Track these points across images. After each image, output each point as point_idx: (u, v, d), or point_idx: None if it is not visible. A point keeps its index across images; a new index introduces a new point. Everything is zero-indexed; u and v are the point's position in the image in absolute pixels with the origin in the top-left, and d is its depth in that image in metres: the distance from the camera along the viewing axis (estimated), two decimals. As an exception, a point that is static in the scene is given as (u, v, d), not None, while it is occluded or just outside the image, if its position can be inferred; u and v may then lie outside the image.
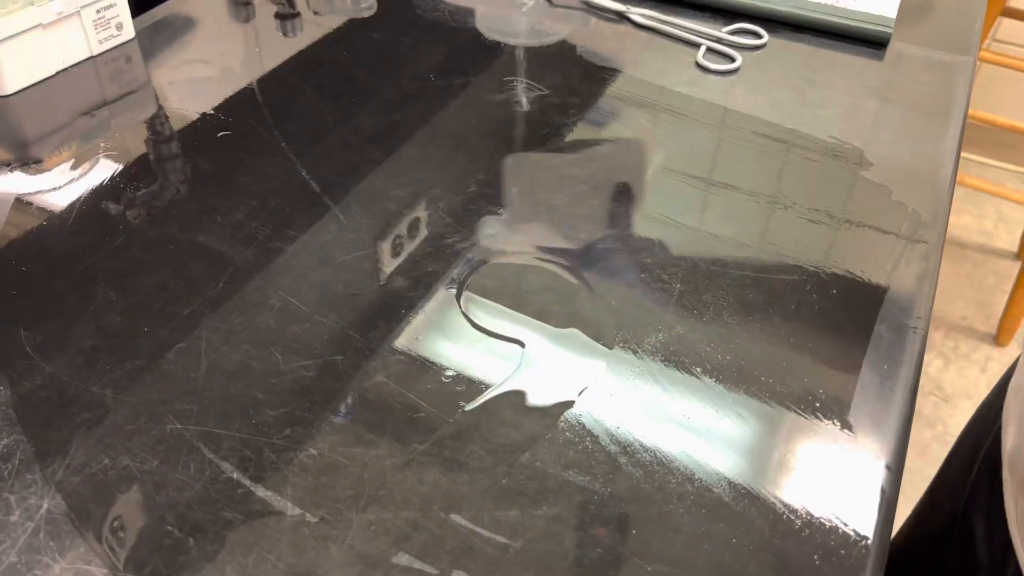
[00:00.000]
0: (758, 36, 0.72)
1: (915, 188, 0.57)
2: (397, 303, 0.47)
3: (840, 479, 0.39)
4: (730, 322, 0.46)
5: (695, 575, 0.35)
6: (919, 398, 1.62)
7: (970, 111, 1.77)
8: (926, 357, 1.67)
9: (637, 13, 0.74)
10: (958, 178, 1.70)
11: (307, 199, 0.54)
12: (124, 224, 0.51)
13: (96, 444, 0.39)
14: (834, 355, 0.45)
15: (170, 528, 0.36)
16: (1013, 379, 0.55)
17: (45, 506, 0.36)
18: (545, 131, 0.61)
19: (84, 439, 0.39)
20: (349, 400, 0.41)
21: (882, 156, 0.60)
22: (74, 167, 0.55)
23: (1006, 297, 1.68)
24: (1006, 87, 1.93)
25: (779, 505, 0.37)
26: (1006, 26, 1.89)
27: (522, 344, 0.45)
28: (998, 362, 1.63)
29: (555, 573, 0.35)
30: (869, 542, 0.36)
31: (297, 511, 0.36)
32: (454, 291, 0.47)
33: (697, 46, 0.71)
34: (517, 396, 0.42)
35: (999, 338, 1.65)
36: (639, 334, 0.45)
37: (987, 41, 1.88)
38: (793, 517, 0.37)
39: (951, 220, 1.97)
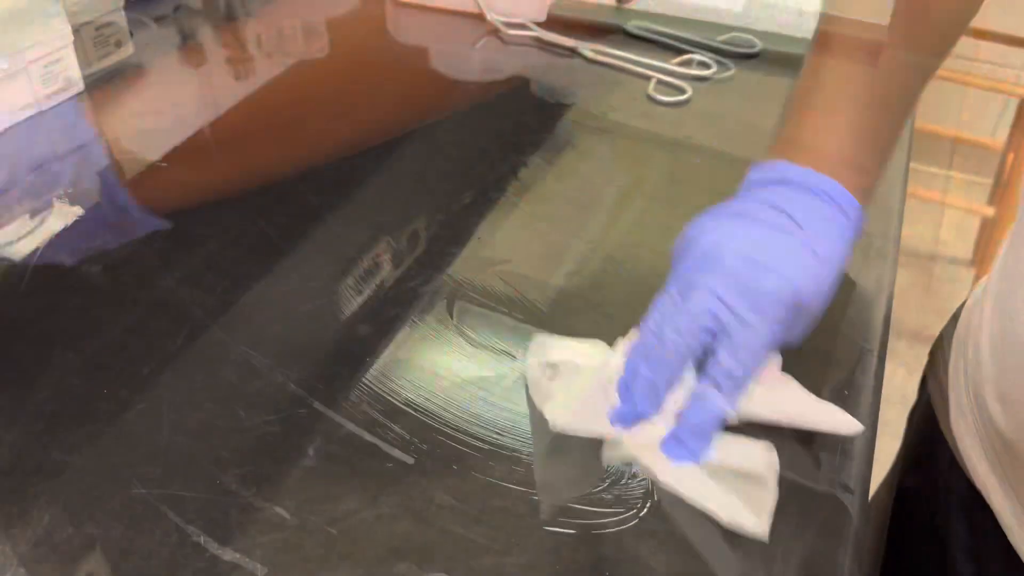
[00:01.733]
0: (707, 67, 0.74)
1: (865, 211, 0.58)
2: (360, 350, 0.47)
3: (805, 502, 0.39)
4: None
5: (670, 615, 0.35)
6: (886, 408, 1.65)
7: (920, 123, 1.81)
8: (890, 367, 1.69)
9: (588, 48, 0.75)
10: (912, 190, 1.74)
11: (264, 248, 0.54)
12: (80, 282, 0.51)
13: (60, 512, 0.38)
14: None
15: (137, 597, 0.35)
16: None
17: (7, 582, 0.35)
18: (504, 168, 0.61)
19: (47, 508, 0.38)
20: (314, 454, 0.41)
21: (833, 180, 0.62)
22: (25, 225, 0.55)
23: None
24: (951, 98, 1.99)
25: (743, 537, 0.38)
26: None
27: (489, 384, 0.45)
28: (959, 368, 1.66)
29: (530, 621, 0.35)
30: (838, 564, 0.37)
31: (267, 572, 0.36)
32: (418, 332, 0.47)
33: (648, 79, 0.72)
34: (485, 440, 0.42)
35: (958, 344, 1.68)
36: (604, 371, 0.46)
37: (930, 55, 1.93)
38: (759, 546, 0.37)
39: (907, 231, 2.01)
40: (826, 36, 0.56)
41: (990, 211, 1.69)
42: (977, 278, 1.66)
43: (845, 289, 0.52)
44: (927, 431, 0.57)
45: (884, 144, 0.49)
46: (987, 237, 1.71)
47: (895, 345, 1.73)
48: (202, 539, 0.37)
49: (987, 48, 1.84)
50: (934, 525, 0.54)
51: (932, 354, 0.61)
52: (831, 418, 0.42)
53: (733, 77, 0.74)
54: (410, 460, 0.41)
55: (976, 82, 1.70)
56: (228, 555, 0.36)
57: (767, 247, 0.41)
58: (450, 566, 0.36)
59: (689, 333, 0.39)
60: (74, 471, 0.40)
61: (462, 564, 0.36)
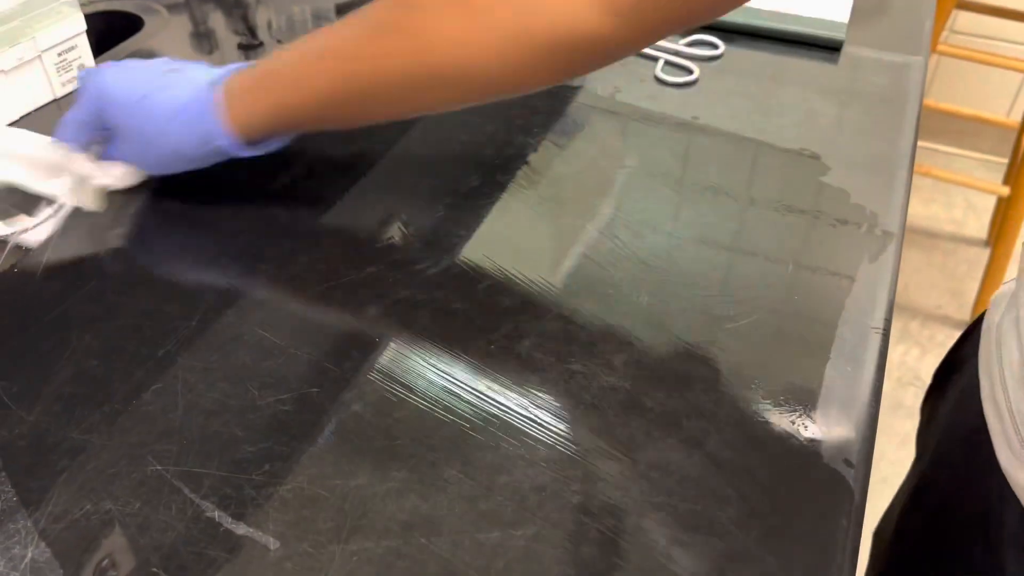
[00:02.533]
0: (715, 47, 0.74)
1: (873, 189, 0.59)
2: (371, 331, 0.47)
3: (806, 480, 0.40)
4: (697, 330, 0.47)
5: (673, 586, 0.36)
6: (899, 389, 1.64)
7: (934, 103, 1.80)
8: (904, 347, 1.69)
9: (596, 29, 0.75)
10: (927, 170, 1.73)
11: (278, 233, 0.54)
12: (97, 268, 0.52)
13: (78, 490, 0.39)
14: (798, 359, 0.46)
15: (155, 570, 0.36)
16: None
17: (29, 555, 0.37)
18: (512, 151, 0.62)
19: (66, 485, 0.39)
20: (327, 432, 0.42)
21: (840, 159, 0.62)
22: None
23: (978, 284, 1.71)
24: (967, 76, 1.97)
25: (745, 510, 0.38)
26: (963, 18, 1.92)
27: (493, 366, 0.45)
28: (974, 348, 1.65)
29: (536, 592, 0.36)
30: (838, 537, 0.37)
31: (279, 546, 0.37)
32: (427, 313, 0.48)
33: (655, 60, 0.72)
34: (494, 418, 0.43)
35: (973, 325, 1.68)
36: (608, 350, 0.46)
37: (945, 33, 1.91)
38: (760, 521, 0.38)
39: (922, 211, 2.00)
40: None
41: (1005, 191, 1.67)
42: (993, 259, 1.65)
43: (850, 267, 0.52)
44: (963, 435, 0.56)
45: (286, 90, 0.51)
46: (1002, 216, 1.69)
47: (908, 325, 1.73)
48: (216, 514, 0.38)
49: (1003, 26, 1.82)
50: (978, 518, 0.54)
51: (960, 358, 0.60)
52: None
53: (740, 57, 0.74)
54: (419, 437, 0.42)
55: (993, 60, 1.69)
56: (241, 529, 0.37)
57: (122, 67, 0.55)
58: (457, 539, 0.37)
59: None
60: (92, 449, 0.41)
61: (469, 537, 0.37)
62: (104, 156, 0.55)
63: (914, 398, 1.59)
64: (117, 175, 0.55)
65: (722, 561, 0.37)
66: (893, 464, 1.38)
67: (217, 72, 0.53)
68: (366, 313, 0.49)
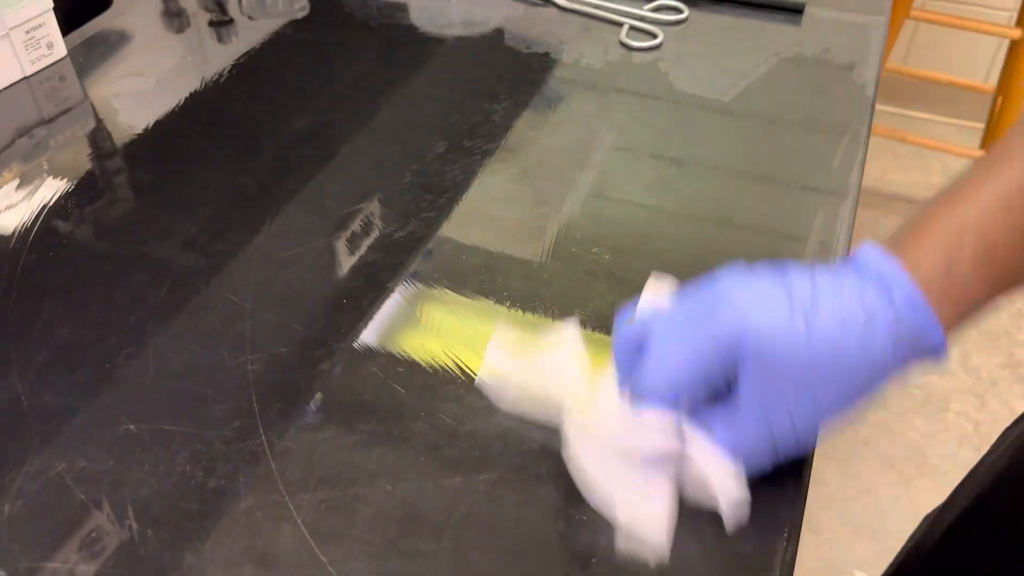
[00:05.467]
0: (679, 11, 0.75)
1: (833, 146, 0.60)
2: (337, 293, 0.49)
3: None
4: (658, 286, 0.49)
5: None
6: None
7: (912, 69, 1.81)
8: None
9: (561, -3, 0.76)
10: (903, 136, 1.74)
11: (245, 203, 0.55)
12: (68, 240, 0.53)
13: (53, 451, 0.40)
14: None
15: (129, 522, 0.37)
16: None
17: (7, 511, 0.38)
18: (476, 118, 0.63)
19: (41, 447, 0.40)
20: (293, 389, 0.43)
21: (802, 118, 0.63)
22: (16, 187, 0.56)
23: (956, 248, 1.72)
24: (944, 42, 1.98)
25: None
26: (938, -17, 1.93)
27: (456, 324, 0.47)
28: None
29: (499, 532, 0.37)
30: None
31: (250, 497, 0.38)
32: (394, 277, 0.49)
33: (620, 25, 0.73)
34: (460, 371, 0.44)
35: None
36: (573, 305, 0.47)
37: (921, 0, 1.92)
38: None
39: (900, 178, 2.01)
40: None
41: (981, 155, 1.69)
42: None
43: (805, 229, 0.54)
44: None
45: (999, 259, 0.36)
46: (980, 181, 1.71)
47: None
48: (188, 467, 0.39)
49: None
50: None
51: None
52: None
53: (704, 21, 0.75)
54: (385, 392, 0.43)
55: (969, 25, 1.69)
56: (213, 482, 0.39)
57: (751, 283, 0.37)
58: (422, 485, 0.38)
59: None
60: (67, 412, 0.42)
61: (433, 483, 0.39)
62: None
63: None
64: (733, 495, 0.36)
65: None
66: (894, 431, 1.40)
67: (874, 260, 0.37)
68: (333, 277, 0.50)
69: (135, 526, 0.37)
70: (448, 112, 0.64)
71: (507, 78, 0.67)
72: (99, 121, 0.64)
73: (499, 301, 0.48)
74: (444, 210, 0.54)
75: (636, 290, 0.46)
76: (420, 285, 0.49)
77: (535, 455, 0.40)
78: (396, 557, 0.36)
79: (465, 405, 0.42)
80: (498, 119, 0.63)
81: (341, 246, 0.52)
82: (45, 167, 0.59)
